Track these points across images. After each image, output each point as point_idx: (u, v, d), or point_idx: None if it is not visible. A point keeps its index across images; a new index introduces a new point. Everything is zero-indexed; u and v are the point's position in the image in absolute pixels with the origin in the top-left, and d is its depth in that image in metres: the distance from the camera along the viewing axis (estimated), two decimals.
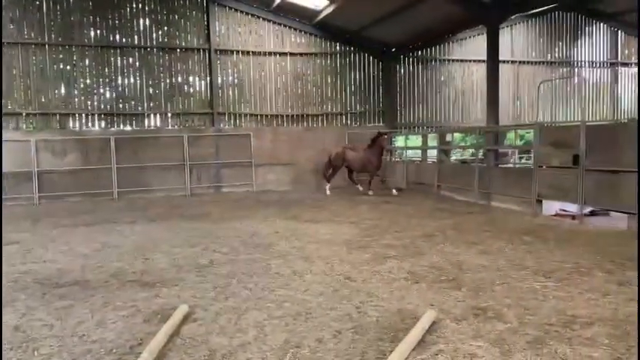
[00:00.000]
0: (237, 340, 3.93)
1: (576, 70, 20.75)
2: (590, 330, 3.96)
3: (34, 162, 14.55)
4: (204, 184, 15.94)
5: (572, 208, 10.08)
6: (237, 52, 17.03)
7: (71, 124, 15.69)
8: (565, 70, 20.75)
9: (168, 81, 16.41)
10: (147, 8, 16.15)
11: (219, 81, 16.93)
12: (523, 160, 19.09)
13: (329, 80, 18.26)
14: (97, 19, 15.78)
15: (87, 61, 15.78)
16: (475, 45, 19.27)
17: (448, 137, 16.06)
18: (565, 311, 4.38)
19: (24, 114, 15.30)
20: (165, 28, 16.32)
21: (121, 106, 16.04)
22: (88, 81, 15.82)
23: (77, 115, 15.78)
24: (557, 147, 9.45)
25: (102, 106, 15.92)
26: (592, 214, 10.51)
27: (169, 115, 16.48)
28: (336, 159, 14.51)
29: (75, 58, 15.68)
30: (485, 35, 14.76)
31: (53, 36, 15.45)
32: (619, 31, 21.01)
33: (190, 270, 6.10)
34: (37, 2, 15.34)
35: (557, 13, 20.37)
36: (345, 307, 4.60)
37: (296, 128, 17.48)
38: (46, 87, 15.51)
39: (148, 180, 15.42)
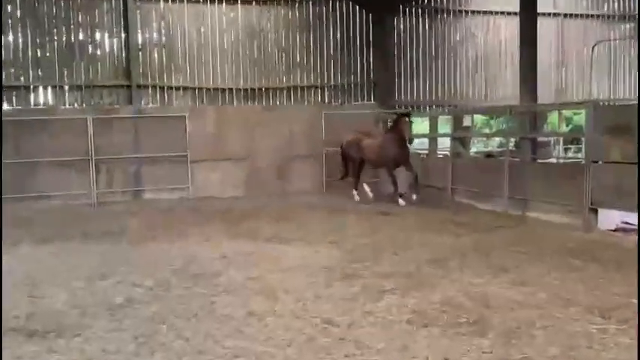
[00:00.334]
0: None
1: None
2: None
3: None
4: (119, 189, 15.75)
5: None
6: None
7: None
8: (628, 27, 21.26)
9: (64, 39, 16.15)
10: None
11: (140, 39, 16.75)
12: (570, 153, 19.48)
13: (298, 40, 18.28)
14: None
15: None
16: None
17: (466, 121, 16.25)
18: None
19: None
20: None
21: None
22: None
23: None
24: (619, 134, 9.61)
25: None
26: None
27: (66, 88, 16.23)
28: (348, 147, 14.91)
29: None
30: None
31: None
32: None
33: (100, 312, 6.04)
34: None
35: None
36: None
37: (251, 107, 17.42)
38: None
39: (37, 182, 15.12)
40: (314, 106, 18.01)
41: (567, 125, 21.92)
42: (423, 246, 8.95)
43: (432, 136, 16.09)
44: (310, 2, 18.27)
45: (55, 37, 16.27)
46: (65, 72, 16.36)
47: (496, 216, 11.81)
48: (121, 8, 16.65)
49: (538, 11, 15.23)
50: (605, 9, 20.92)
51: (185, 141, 16.04)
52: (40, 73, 16.23)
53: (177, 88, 17.33)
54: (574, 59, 20.65)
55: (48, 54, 16.25)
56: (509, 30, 19.67)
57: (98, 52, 16.54)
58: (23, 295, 6.66)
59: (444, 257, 8.08)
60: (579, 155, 18.79)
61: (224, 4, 17.52)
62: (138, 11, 16.80)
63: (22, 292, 6.78)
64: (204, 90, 17.52)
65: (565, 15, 20.54)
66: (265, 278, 7.16)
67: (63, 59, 16.36)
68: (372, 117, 17.24)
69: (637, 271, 6.01)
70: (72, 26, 16.36)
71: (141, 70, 16.90)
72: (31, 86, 16.14)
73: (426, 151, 16.67)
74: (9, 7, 15.78)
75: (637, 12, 19.56)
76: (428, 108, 19.14)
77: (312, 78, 18.39)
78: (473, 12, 19.80)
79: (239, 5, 17.71)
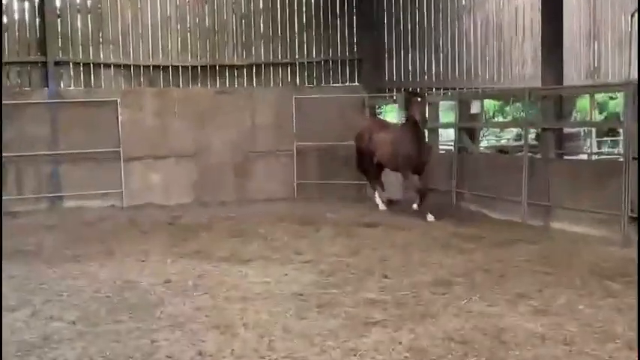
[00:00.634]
0: None
1: None
2: None
3: None
4: (30, 194, 15.60)
5: None
6: None
7: None
8: None
9: None
10: None
11: (58, 3, 16.57)
12: (605, 148, 19.65)
13: (262, 3, 18.21)
14: None
15: None
16: None
17: (474, 107, 16.32)
18: None
19: None
20: None
21: None
22: None
23: None
24: None
25: None
26: None
27: None
28: (358, 140, 15.06)
29: None
30: None
31: None
32: None
33: (7, 355, 5.93)
34: None
35: None
36: None
37: (202, 90, 17.34)
38: None
39: None
40: (282, 88, 17.97)
41: (601, 113, 22.13)
42: (422, 266, 8.97)
43: (432, 127, 16.09)
44: None
45: None
46: None
47: (512, 227, 11.85)
48: None
49: None
50: None
51: (117, 133, 15.96)
52: None
53: (107, 66, 17.16)
54: (609, 31, 20.88)
55: None
56: None
57: (4, 20, 16.33)
58: None
59: (448, 280, 8.11)
60: (616, 150, 18.95)
61: None
62: None
63: None
64: (142, 68, 17.36)
65: None
66: (220, 309, 7.15)
67: None
68: (357, 103, 17.27)
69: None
70: None
71: (60, 43, 16.71)
72: None
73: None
74: None
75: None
76: (426, 91, 19.18)
77: (279, 53, 18.31)
78: None
79: None
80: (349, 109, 16.99)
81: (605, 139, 19.83)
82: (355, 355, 5.70)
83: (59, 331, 6.54)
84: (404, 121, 14.07)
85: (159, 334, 6.39)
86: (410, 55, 19.44)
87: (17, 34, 16.42)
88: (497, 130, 23.04)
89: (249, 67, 18.13)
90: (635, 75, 19.44)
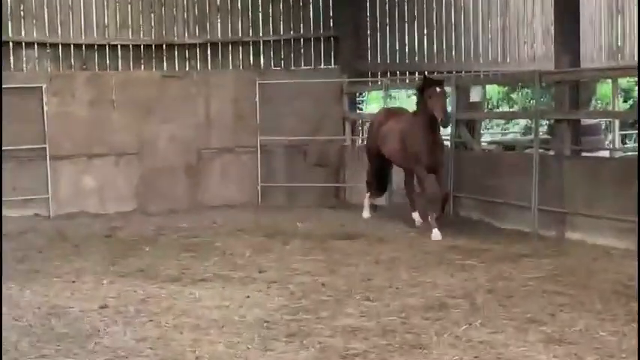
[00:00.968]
0: None
1: None
2: None
3: None
4: None
5: None
6: None
7: None
8: None
9: None
10: None
11: None
12: (631, 143, 19.76)
13: None
14: None
15: None
16: None
17: (474, 94, 16.39)
18: None
19: None
20: None
21: None
22: None
23: None
24: None
25: None
26: None
27: None
28: (369, 133, 15.09)
29: None
30: None
31: None
32: None
33: None
34: None
35: None
36: None
37: (146, 74, 17.31)
38: None
39: None
40: (244, 71, 17.98)
41: (625, 101, 22.26)
42: (412, 286, 9.00)
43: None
44: None
45: None
46: None
47: (520, 239, 11.94)
48: None
49: None
50: None
51: (42, 126, 15.90)
52: None
53: (30, 45, 17.07)
54: (634, 3, 21.05)
55: None
56: None
57: None
58: None
59: (443, 302, 8.12)
60: None
61: None
62: None
63: None
64: (72, 47, 17.27)
65: None
66: (168, 339, 7.10)
67: None
68: (334, 89, 17.28)
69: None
70: None
71: None
72: None
73: None
74: None
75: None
76: (417, 76, 19.23)
77: (239, 29, 18.30)
78: None
79: None
80: (324, 96, 17.01)
81: (630, 132, 19.95)
82: None
83: None
84: (416, 111, 13.68)
85: None
86: (397, 31, 19.47)
87: None
88: (502, 121, 23.09)
89: (204, 46, 18.10)
90: None
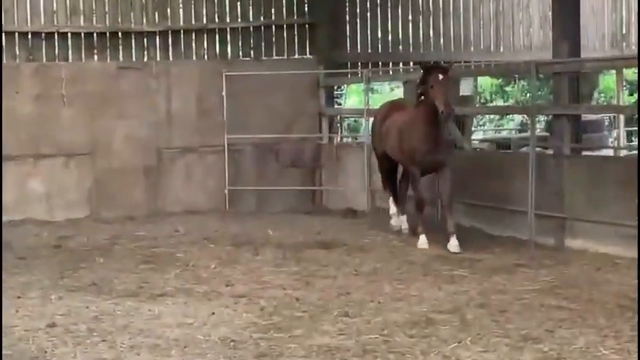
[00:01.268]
0: None
1: None
2: None
3: None
4: None
5: None
6: None
7: None
8: None
9: None
10: None
11: None
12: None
13: None
14: None
15: None
16: None
17: (464, 87, 16.44)
18: None
19: None
20: None
21: None
22: None
23: None
24: None
25: None
26: None
27: None
28: (372, 129, 15.13)
29: None
30: None
31: None
32: None
33: None
34: None
35: None
36: None
37: (100, 66, 17.19)
38: None
39: None
40: (209, 62, 17.94)
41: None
42: (396, 300, 8.99)
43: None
44: None
45: None
46: None
47: (516, 247, 11.98)
48: None
49: None
50: None
51: None
52: None
53: None
54: None
55: None
56: None
57: None
58: None
59: (430, 318, 8.11)
60: None
61: None
62: None
63: None
64: (17, 35, 17.13)
65: None
66: None
67: None
68: (310, 81, 17.25)
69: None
70: None
71: None
72: None
73: None
74: None
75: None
76: (401, 66, 19.25)
77: (204, 15, 18.23)
78: None
79: None
80: (299, 90, 16.98)
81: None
82: None
83: None
84: (419, 102, 13.51)
85: None
86: (379, 18, 19.46)
87: None
88: (496, 117, 23.20)
89: (164, 34, 18.01)
90: None
